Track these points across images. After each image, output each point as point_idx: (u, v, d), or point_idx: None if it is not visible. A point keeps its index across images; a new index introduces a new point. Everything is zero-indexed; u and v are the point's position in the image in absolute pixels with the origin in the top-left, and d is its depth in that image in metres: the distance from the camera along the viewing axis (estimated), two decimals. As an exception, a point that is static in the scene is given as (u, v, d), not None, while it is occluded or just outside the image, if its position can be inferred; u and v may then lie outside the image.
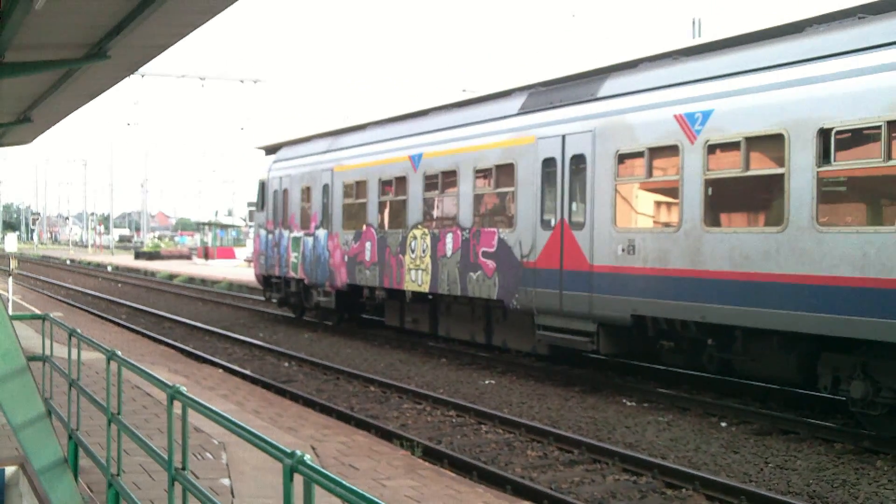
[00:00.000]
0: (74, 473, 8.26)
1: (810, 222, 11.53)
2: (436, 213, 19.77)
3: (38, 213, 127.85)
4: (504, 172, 17.41)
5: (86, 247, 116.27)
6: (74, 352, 9.04)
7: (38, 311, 20.02)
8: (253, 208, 34.95)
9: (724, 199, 13.29)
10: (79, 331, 9.02)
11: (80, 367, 8.94)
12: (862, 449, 11.49)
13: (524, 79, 19.90)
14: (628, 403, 14.68)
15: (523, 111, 17.31)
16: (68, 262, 77.58)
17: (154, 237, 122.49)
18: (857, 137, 11.32)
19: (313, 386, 16.81)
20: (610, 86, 15.43)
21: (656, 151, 14.05)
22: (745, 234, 12.58)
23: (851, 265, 11.03)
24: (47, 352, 10.38)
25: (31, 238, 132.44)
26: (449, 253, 18.85)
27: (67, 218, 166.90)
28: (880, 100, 10.83)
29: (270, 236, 27.70)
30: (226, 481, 8.67)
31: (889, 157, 10.76)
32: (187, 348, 21.30)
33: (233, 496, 8.18)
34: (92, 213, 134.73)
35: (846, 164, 11.50)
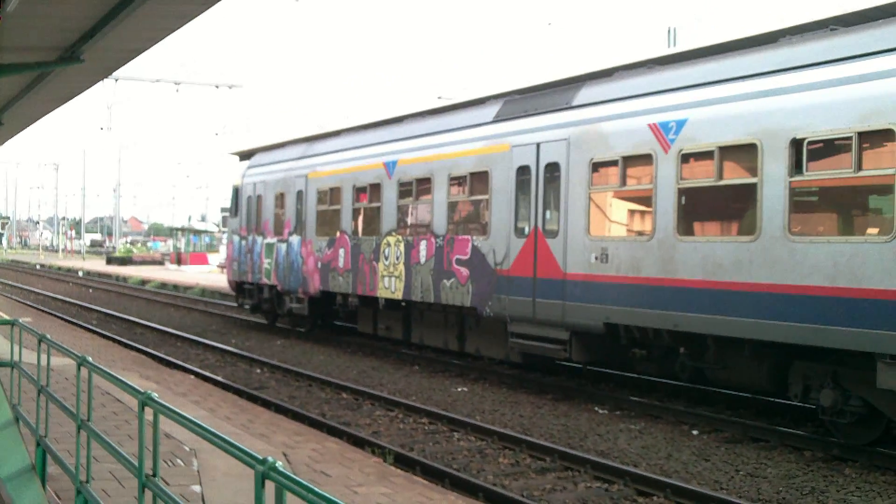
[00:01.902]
0: (42, 481, 8.18)
1: (782, 232, 11.62)
2: (410, 220, 19.76)
3: (8, 218, 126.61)
4: (479, 180, 17.43)
5: (57, 252, 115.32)
6: (44, 357, 8.95)
7: (6, 317, 19.83)
8: (226, 214, 34.85)
9: (698, 208, 13.36)
10: (48, 336, 8.94)
11: (49, 374, 8.85)
12: (831, 457, 11.58)
13: (499, 86, 19.95)
14: (600, 411, 14.72)
15: (498, 119, 17.35)
16: (38, 266, 76.87)
17: (126, 242, 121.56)
18: (828, 148, 11.42)
19: (285, 392, 16.74)
20: (585, 94, 15.49)
21: (630, 160, 14.11)
22: (717, 244, 12.65)
23: (822, 275, 11.12)
24: (16, 358, 10.26)
25: (1, 243, 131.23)
26: (423, 260, 18.85)
27: (38, 222, 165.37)
28: (851, 111, 10.93)
29: (244, 242, 27.59)
30: (197, 488, 8.60)
31: (860, 168, 10.87)
32: (159, 354, 21.15)
33: (203, 503, 8.12)
34: (63, 218, 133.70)
35: (818, 174, 11.59)
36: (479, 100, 19.92)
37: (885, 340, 10.42)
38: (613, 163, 14.38)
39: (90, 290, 46.54)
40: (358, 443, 12.35)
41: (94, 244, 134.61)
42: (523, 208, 16.27)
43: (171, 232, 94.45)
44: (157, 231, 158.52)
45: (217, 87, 44.08)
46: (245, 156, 31.37)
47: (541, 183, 15.81)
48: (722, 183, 12.66)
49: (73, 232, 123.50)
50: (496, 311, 16.78)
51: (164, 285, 47.92)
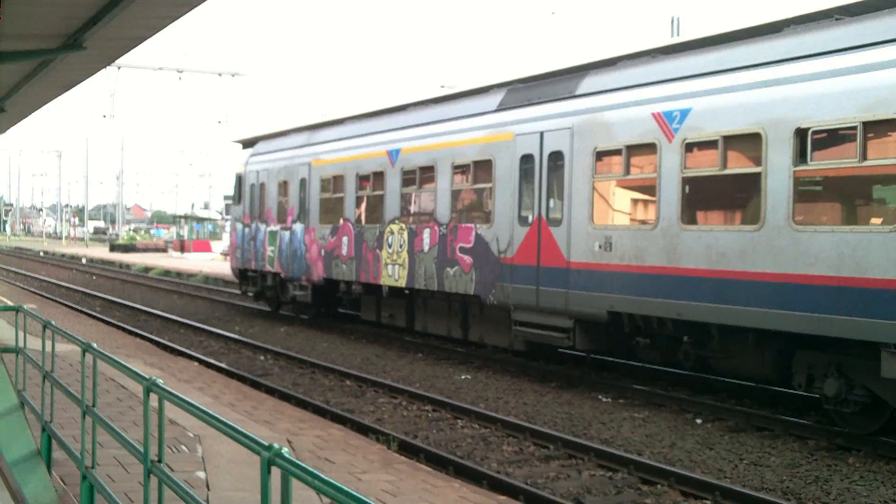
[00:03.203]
0: (48, 466, 8.20)
1: (786, 221, 11.60)
2: (413, 208, 19.75)
3: (11, 205, 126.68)
4: (482, 168, 17.41)
5: (60, 239, 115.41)
6: (49, 344, 8.97)
7: (11, 303, 19.87)
8: (230, 202, 34.82)
9: (701, 197, 13.34)
10: (53, 322, 8.96)
11: (53, 359, 8.88)
12: (835, 446, 11.59)
13: (503, 75, 19.90)
14: (604, 399, 14.73)
15: (502, 108, 17.32)
16: (42, 253, 76.95)
17: (130, 230, 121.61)
18: (833, 137, 11.39)
19: (289, 379, 16.77)
20: (588, 83, 15.45)
21: (634, 149, 14.09)
22: (721, 233, 12.64)
23: (827, 264, 11.11)
24: (21, 344, 10.29)
25: (4, 229, 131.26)
26: (426, 248, 18.85)
27: (41, 209, 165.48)
28: (856, 101, 10.90)
29: (247, 230, 27.59)
30: (201, 474, 8.63)
31: (864, 158, 10.84)
32: (163, 341, 21.20)
33: (208, 489, 8.15)
34: (66, 205, 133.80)
35: (822, 163, 11.57)
36: (483, 88, 19.87)
37: (890, 330, 10.42)
38: (617, 152, 14.36)
39: (94, 277, 46.59)
40: (362, 430, 12.38)
41: (97, 231, 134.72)
42: (527, 197, 16.26)
43: (175, 219, 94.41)
44: (161, 218, 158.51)
45: (220, 75, 44.04)
46: (248, 144, 31.34)
47: (544, 171, 15.80)
48: (726, 172, 12.65)
49: (77, 219, 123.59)
50: (500, 300, 16.78)
51: (167, 272, 47.97)
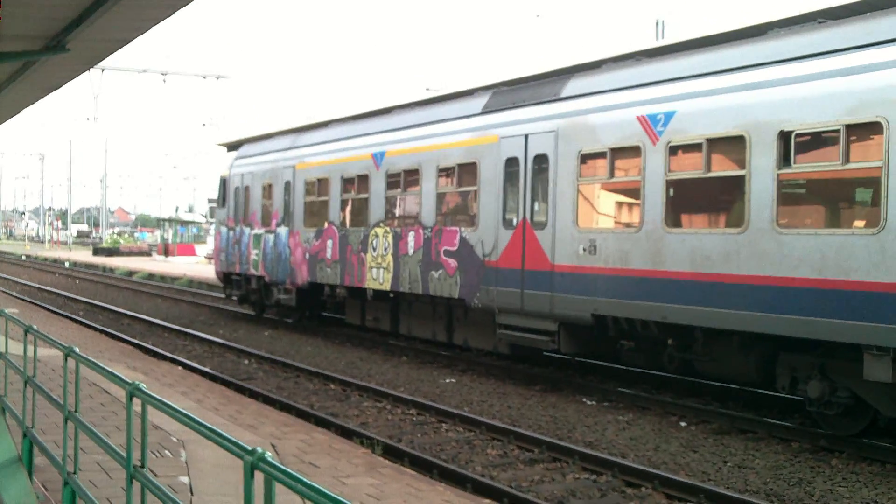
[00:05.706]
0: (29, 472, 8.14)
1: (770, 224, 11.64)
2: (398, 211, 19.73)
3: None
4: (467, 171, 17.41)
5: (43, 242, 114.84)
6: (30, 348, 8.91)
7: (-7, 307, 19.71)
8: (214, 205, 34.75)
9: (686, 200, 13.38)
10: (35, 327, 8.89)
11: (35, 364, 8.81)
12: (818, 448, 11.63)
13: (488, 78, 19.92)
14: (588, 402, 14.74)
15: (486, 110, 17.32)
16: (24, 257, 76.52)
17: (113, 233, 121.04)
18: (816, 140, 11.44)
19: (273, 384, 16.72)
20: (573, 86, 15.48)
21: (618, 152, 14.12)
22: (705, 236, 12.67)
23: (810, 267, 11.15)
24: (2, 348, 10.21)
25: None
26: (411, 251, 18.82)
27: (24, 213, 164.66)
28: (839, 103, 10.95)
29: (231, 233, 27.51)
30: (185, 479, 8.58)
31: (847, 161, 10.89)
32: (146, 345, 21.09)
33: (192, 494, 8.10)
34: (49, 208, 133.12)
35: (806, 166, 11.62)
36: (468, 91, 19.88)
37: (872, 332, 10.46)
38: (602, 155, 14.38)
39: (77, 281, 46.35)
40: (346, 434, 12.34)
41: (80, 235, 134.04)
42: (511, 200, 16.26)
43: (159, 223, 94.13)
44: (145, 222, 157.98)
45: (204, 77, 44.00)
46: (233, 147, 31.28)
47: (529, 174, 15.80)
48: (710, 175, 12.68)
49: (60, 222, 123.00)
50: (484, 303, 16.78)
51: (151, 276, 47.77)
